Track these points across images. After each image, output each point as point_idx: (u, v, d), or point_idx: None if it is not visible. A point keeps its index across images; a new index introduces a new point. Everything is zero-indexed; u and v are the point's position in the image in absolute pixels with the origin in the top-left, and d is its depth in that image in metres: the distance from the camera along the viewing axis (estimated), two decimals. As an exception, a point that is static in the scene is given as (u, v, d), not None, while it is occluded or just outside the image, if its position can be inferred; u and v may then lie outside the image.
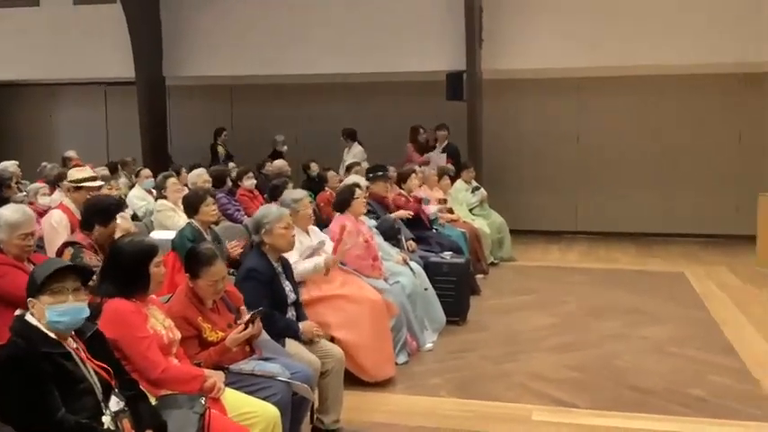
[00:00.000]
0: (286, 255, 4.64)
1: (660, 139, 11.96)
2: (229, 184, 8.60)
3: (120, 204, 5.27)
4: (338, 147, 11.62)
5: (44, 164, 9.24)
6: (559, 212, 12.49)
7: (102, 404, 2.68)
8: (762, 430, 4.50)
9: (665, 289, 8.30)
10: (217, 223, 6.02)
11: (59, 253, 4.46)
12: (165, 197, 7.04)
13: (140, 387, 2.95)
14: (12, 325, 2.71)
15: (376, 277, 5.74)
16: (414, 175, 8.53)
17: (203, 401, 3.03)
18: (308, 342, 4.33)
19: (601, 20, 10.58)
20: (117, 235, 4.39)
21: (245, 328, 3.61)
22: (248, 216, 7.53)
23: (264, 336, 3.91)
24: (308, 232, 5.33)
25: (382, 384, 5.17)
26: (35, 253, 4.32)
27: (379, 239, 6.47)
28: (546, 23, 10.78)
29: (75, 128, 14.38)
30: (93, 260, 4.31)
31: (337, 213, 6.15)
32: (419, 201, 8.14)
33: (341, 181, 8.28)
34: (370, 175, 7.78)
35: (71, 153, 10.50)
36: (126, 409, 2.74)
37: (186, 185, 7.58)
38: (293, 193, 5.47)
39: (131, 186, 8.64)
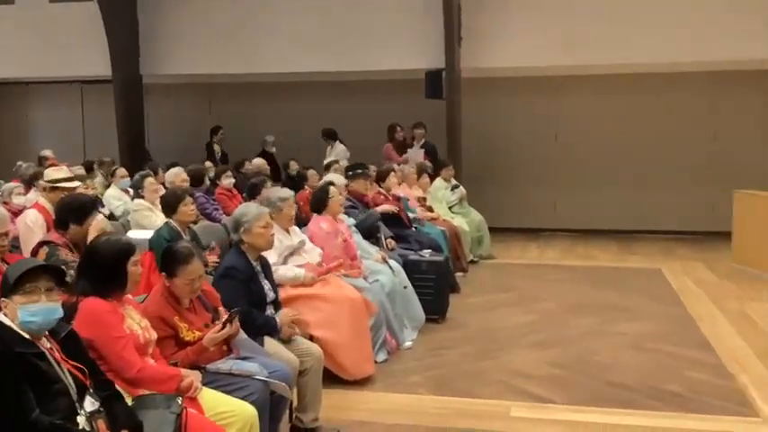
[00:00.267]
0: (265, 254, 4.63)
1: (638, 137, 12.07)
2: (207, 182, 8.55)
3: (95, 203, 5.22)
4: (320, 145, 11.60)
5: (19, 163, 9.13)
6: (538, 210, 12.56)
7: (77, 404, 2.66)
8: (737, 425, 4.54)
9: (643, 285, 8.38)
10: (195, 222, 5.99)
11: (34, 252, 4.42)
12: (142, 197, 6.99)
13: (116, 387, 2.93)
14: (-16, 325, 2.67)
15: (355, 276, 5.74)
16: (393, 173, 8.53)
17: (180, 401, 3.02)
18: (287, 341, 4.32)
19: (579, 19, 10.65)
20: (93, 235, 4.34)
21: (222, 328, 3.59)
22: (227, 215, 7.49)
23: (242, 335, 3.89)
24: (288, 232, 5.33)
25: (361, 382, 5.17)
26: (10, 253, 4.28)
27: (357, 238, 6.47)
28: (525, 22, 10.83)
29: (51, 127, 14.23)
30: (69, 257, 4.29)
31: (315, 214, 6.13)
32: (398, 199, 8.14)
33: (321, 179, 8.27)
34: (350, 173, 7.77)
35: (47, 152, 10.39)
36: (101, 409, 2.72)
37: (164, 184, 7.53)
38: (280, 192, 5.48)
39: (107, 186, 8.57)
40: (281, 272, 5.02)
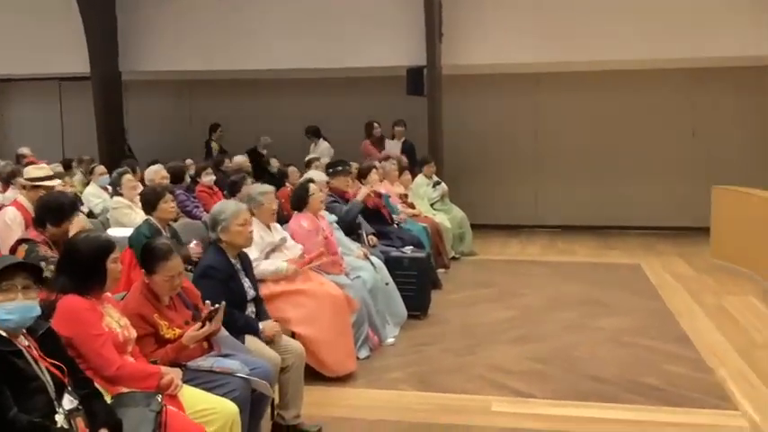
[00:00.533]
0: (246, 250, 4.61)
1: (617, 133, 12.16)
2: (188, 180, 8.51)
3: (74, 204, 5.17)
4: (302, 143, 11.57)
5: (-3, 161, 9.03)
6: (519, 207, 12.62)
7: (56, 402, 2.63)
8: (716, 417, 4.59)
9: (622, 280, 8.45)
10: (176, 220, 5.95)
11: (13, 250, 4.39)
12: (120, 194, 6.94)
13: (95, 385, 2.91)
14: (-39, 323, 2.64)
15: (337, 273, 5.73)
16: (374, 170, 8.53)
17: (160, 399, 3.00)
18: (269, 342, 4.30)
19: (558, 16, 10.71)
20: (72, 233, 4.31)
21: (202, 326, 3.56)
22: (207, 212, 7.45)
23: (223, 332, 3.87)
24: (270, 228, 5.31)
25: (343, 379, 5.17)
26: (-12, 251, 4.24)
27: (339, 234, 6.46)
28: (504, 19, 10.88)
29: (29, 124, 14.06)
30: (48, 253, 4.26)
31: (295, 212, 6.11)
32: (380, 195, 8.14)
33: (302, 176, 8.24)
34: (330, 170, 7.75)
35: (25, 150, 10.28)
36: (80, 407, 2.70)
37: (142, 182, 7.48)
38: (260, 186, 5.45)
39: (86, 183, 8.50)
40: (262, 266, 5.00)
